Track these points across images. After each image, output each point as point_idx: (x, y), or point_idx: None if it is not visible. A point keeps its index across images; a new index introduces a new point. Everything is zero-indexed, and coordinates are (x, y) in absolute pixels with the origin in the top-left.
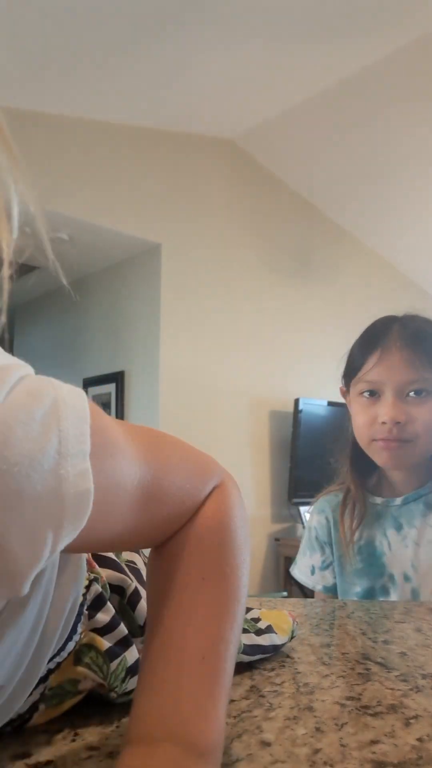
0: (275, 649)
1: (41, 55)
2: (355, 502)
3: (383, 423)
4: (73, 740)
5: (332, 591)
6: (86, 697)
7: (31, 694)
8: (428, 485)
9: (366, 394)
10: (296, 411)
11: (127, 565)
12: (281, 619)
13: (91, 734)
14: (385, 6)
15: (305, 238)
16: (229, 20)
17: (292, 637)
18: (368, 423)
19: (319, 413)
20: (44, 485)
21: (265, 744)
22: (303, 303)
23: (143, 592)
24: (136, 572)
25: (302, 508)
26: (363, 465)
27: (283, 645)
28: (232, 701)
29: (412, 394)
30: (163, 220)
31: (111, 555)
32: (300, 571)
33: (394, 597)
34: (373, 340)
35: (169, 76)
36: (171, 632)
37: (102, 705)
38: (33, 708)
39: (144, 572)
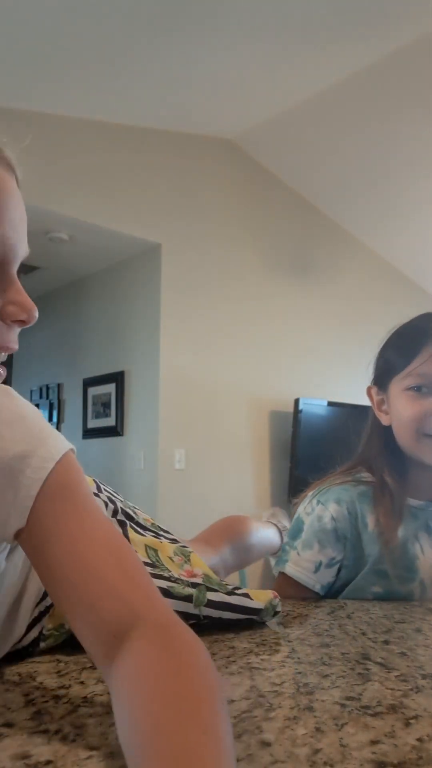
0: (246, 611)
1: (41, 56)
2: (392, 499)
3: None
4: (73, 740)
5: (326, 590)
6: (88, 698)
7: (30, 630)
8: None
9: (414, 389)
10: (296, 411)
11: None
12: (262, 593)
13: (91, 734)
14: (386, 7)
15: (305, 238)
16: (229, 21)
17: (275, 613)
18: (419, 417)
19: (319, 413)
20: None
21: (265, 744)
22: (303, 303)
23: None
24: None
25: None
26: (396, 463)
27: (258, 611)
28: (231, 701)
29: None
30: (163, 220)
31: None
32: (300, 567)
33: (416, 602)
34: (423, 335)
35: (168, 76)
36: None
37: (102, 705)
38: (35, 643)
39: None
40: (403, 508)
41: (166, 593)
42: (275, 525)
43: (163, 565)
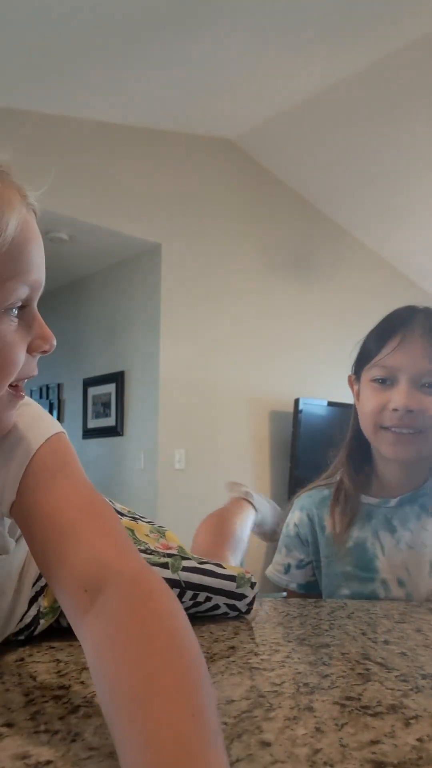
0: (223, 577)
1: (41, 56)
2: (347, 498)
3: (394, 410)
4: (73, 740)
5: (307, 589)
6: (88, 698)
7: (29, 610)
8: (425, 487)
9: (378, 380)
10: (296, 411)
11: None
12: (234, 567)
13: (91, 734)
14: (386, 7)
15: (305, 238)
16: (229, 21)
17: (252, 584)
18: (378, 409)
19: (319, 413)
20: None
21: (265, 744)
22: (303, 302)
23: None
24: None
25: None
26: (358, 460)
27: (233, 577)
28: (231, 701)
29: (427, 384)
30: (163, 220)
31: None
32: (274, 569)
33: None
34: (394, 326)
35: (168, 76)
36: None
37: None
38: (35, 621)
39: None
40: (356, 507)
41: None
42: (249, 502)
43: (140, 541)
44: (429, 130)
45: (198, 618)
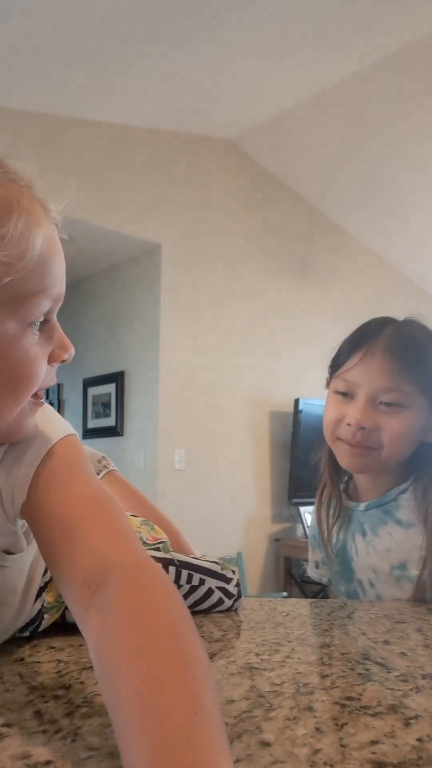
0: (201, 561)
1: (41, 56)
2: (330, 500)
3: (348, 425)
4: (73, 740)
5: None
6: (88, 698)
7: (35, 601)
8: (389, 494)
9: (340, 393)
10: (296, 411)
11: None
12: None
13: (91, 734)
14: (386, 7)
15: (305, 239)
16: (229, 21)
17: (233, 571)
18: (335, 421)
19: (319, 413)
20: None
21: (265, 744)
22: (303, 303)
23: None
24: None
25: (302, 509)
26: (337, 463)
27: (212, 563)
28: (231, 701)
29: (384, 402)
30: (163, 220)
31: None
32: (309, 567)
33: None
34: (360, 339)
35: (169, 76)
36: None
37: (102, 705)
38: (39, 616)
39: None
40: (339, 507)
41: None
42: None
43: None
44: (429, 131)
45: (198, 618)
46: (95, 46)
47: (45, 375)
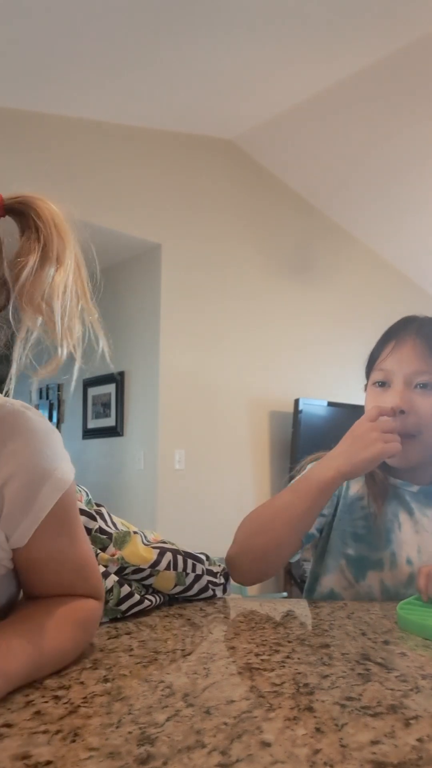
0: (200, 561)
1: (42, 56)
2: (376, 482)
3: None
4: (73, 740)
5: (308, 540)
6: (88, 698)
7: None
8: None
9: (378, 384)
10: (296, 411)
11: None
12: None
13: (91, 734)
14: (386, 7)
15: (305, 238)
16: (229, 21)
17: (226, 578)
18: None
19: (319, 413)
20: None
21: (265, 744)
22: (303, 303)
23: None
24: (99, 514)
25: None
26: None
27: (200, 553)
28: (231, 701)
29: (419, 385)
30: (163, 220)
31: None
32: None
33: (385, 572)
34: (390, 334)
35: (168, 76)
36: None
37: (102, 705)
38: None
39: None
40: (386, 489)
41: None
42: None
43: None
44: (429, 130)
45: (199, 618)
46: (95, 45)
47: None
